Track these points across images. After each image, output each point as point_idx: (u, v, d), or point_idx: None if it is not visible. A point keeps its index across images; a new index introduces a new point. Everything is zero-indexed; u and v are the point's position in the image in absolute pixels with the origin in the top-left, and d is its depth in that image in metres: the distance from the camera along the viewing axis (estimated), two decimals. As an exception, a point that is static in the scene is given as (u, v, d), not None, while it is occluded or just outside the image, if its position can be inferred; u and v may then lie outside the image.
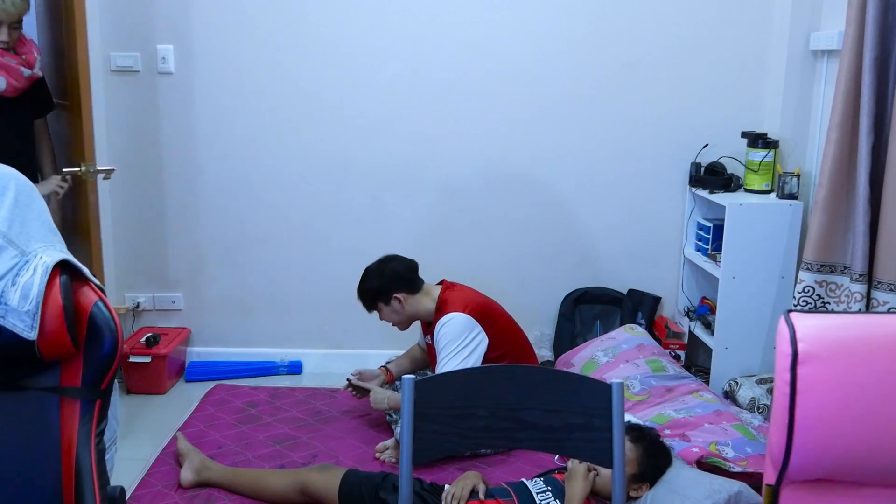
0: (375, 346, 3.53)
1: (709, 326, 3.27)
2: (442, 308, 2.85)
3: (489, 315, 2.87)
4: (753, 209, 3.04)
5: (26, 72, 2.54)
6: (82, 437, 1.32)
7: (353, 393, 3.01)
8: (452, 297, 2.88)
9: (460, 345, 2.75)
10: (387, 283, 2.90)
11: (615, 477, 1.47)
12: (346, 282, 3.55)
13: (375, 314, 2.99)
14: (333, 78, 3.38)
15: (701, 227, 3.40)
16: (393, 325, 2.98)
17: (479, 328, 2.79)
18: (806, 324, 1.45)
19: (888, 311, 2.49)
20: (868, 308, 2.57)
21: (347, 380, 3.01)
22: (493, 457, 2.76)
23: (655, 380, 2.99)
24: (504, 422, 1.52)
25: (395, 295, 2.89)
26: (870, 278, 2.57)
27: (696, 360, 3.49)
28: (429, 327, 2.95)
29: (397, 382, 3.08)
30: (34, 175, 2.70)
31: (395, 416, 2.94)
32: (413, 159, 3.44)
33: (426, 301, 2.91)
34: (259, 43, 3.35)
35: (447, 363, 2.73)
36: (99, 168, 2.77)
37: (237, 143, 3.44)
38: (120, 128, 3.40)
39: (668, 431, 2.65)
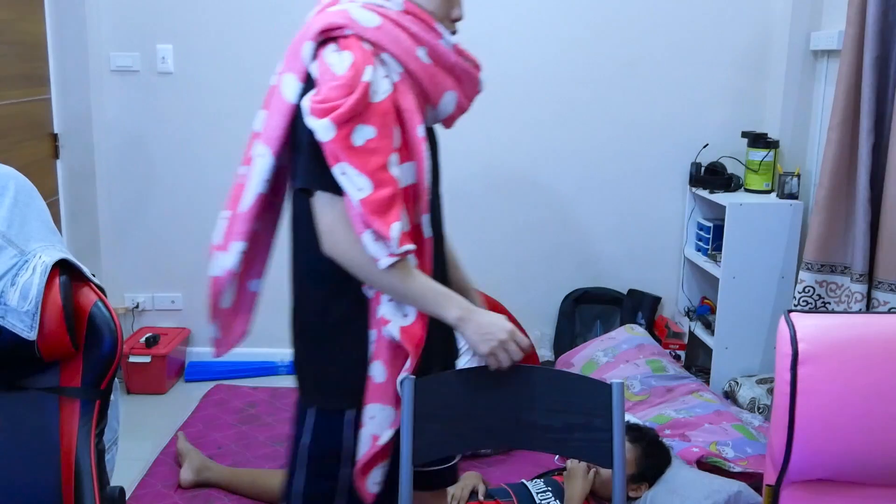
0: (375, 346, 3.53)
1: (709, 326, 3.27)
2: None
3: None
4: (753, 209, 3.04)
5: (481, 83, 1.65)
6: (82, 437, 1.32)
7: None
8: None
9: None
10: None
11: (615, 477, 1.47)
12: (346, 282, 3.56)
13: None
14: (333, 78, 3.38)
15: (701, 227, 3.40)
16: None
17: None
18: (806, 324, 1.45)
19: (889, 311, 2.49)
20: (868, 308, 2.57)
21: None
22: (493, 457, 2.76)
23: (655, 380, 2.99)
24: (504, 422, 1.52)
25: None
26: (870, 278, 2.57)
27: (696, 360, 3.49)
28: None
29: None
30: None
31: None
32: (413, 159, 3.44)
33: None
34: (259, 42, 3.34)
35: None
36: None
37: (237, 142, 3.41)
38: (120, 128, 3.40)
39: (668, 431, 2.65)
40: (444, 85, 1.50)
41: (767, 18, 3.30)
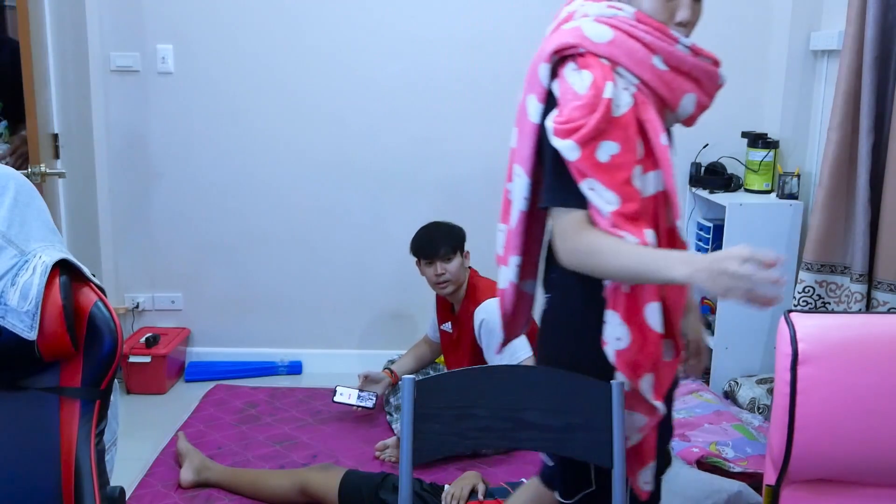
0: (375, 346, 3.53)
1: (709, 326, 3.27)
2: (474, 293, 2.84)
3: None
4: (753, 209, 3.04)
5: (721, 77, 1.53)
6: (82, 437, 1.32)
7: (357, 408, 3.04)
8: (482, 284, 2.87)
9: None
10: (464, 237, 2.95)
11: (615, 477, 1.47)
12: (346, 282, 3.56)
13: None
14: (333, 78, 3.38)
15: (701, 227, 3.40)
16: (448, 283, 2.88)
17: None
18: (806, 324, 1.45)
19: (888, 311, 2.49)
20: (868, 308, 2.57)
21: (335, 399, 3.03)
22: (493, 457, 2.76)
23: (655, 380, 2.99)
24: (504, 422, 1.52)
25: (467, 251, 2.93)
26: (870, 278, 2.57)
27: (696, 360, 3.49)
28: (451, 311, 2.95)
29: (401, 382, 3.08)
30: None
31: (395, 416, 2.94)
32: (413, 159, 3.44)
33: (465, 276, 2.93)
34: (259, 43, 3.35)
35: (518, 353, 2.61)
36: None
37: (237, 142, 3.44)
38: (120, 128, 3.40)
39: (668, 431, 2.65)
40: (683, 88, 1.46)
41: (767, 18, 3.30)
